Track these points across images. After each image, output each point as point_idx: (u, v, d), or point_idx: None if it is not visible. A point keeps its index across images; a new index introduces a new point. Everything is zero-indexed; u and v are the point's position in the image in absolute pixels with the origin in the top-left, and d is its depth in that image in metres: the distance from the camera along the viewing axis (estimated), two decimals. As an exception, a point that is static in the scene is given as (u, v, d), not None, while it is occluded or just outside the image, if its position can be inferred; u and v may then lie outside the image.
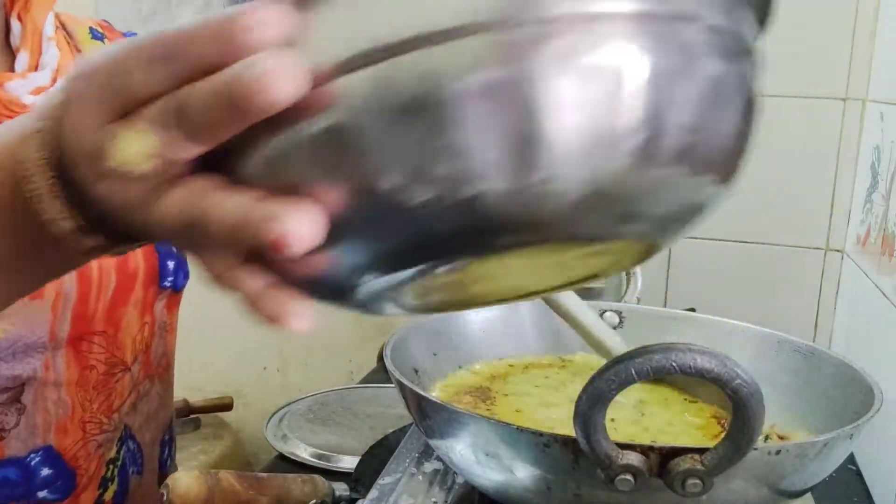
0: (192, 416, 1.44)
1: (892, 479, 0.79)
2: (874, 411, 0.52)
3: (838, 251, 1.18)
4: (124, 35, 0.75)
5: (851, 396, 0.59)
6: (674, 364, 0.40)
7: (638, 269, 0.80)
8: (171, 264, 0.68)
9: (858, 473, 0.89)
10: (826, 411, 0.62)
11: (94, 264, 0.61)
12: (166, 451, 0.76)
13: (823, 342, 1.19)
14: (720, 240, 1.17)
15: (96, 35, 0.72)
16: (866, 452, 0.87)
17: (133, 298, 0.65)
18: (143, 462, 0.71)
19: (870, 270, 0.99)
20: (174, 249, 0.67)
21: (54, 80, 0.62)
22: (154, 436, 0.73)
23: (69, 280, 0.60)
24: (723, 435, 0.43)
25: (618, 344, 0.66)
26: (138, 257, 0.66)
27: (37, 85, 0.60)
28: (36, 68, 0.62)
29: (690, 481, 0.44)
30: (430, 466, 0.71)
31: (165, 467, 0.76)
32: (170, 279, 0.68)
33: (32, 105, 0.58)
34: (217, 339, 1.61)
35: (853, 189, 1.15)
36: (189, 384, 1.65)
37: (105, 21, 0.76)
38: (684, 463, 0.44)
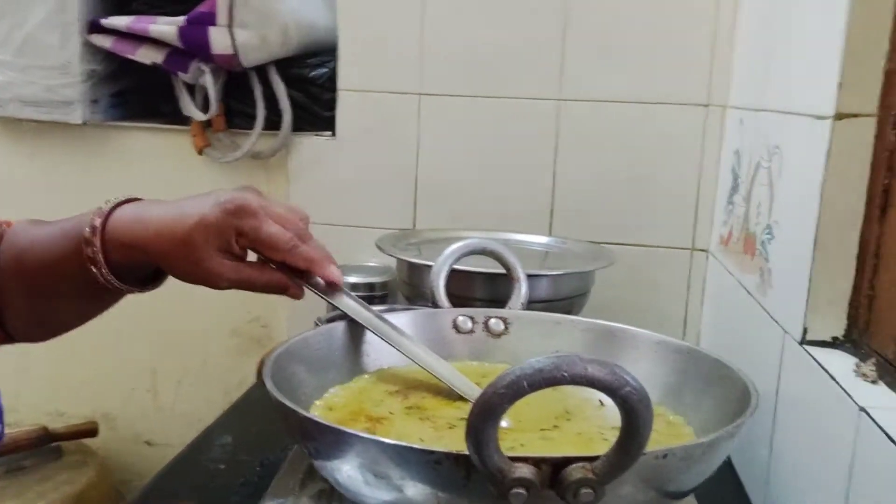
0: (53, 444, 1.34)
1: (760, 468, 0.82)
2: (752, 408, 0.54)
3: (703, 251, 1.24)
4: None
5: (728, 395, 0.61)
6: (565, 374, 0.40)
7: (522, 276, 0.80)
8: None
9: (728, 463, 0.93)
10: (705, 409, 0.65)
11: None
12: None
13: (692, 337, 1.25)
14: (593, 242, 1.19)
15: None
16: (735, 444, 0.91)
17: None
18: None
19: (733, 269, 1.04)
20: None
21: None
22: None
23: None
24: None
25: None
26: None
27: None
28: None
29: (583, 491, 0.44)
30: (314, 488, 0.69)
31: None
32: None
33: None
34: (79, 361, 1.50)
35: (716, 191, 1.21)
36: (49, 410, 1.53)
37: None
38: (576, 473, 0.44)
